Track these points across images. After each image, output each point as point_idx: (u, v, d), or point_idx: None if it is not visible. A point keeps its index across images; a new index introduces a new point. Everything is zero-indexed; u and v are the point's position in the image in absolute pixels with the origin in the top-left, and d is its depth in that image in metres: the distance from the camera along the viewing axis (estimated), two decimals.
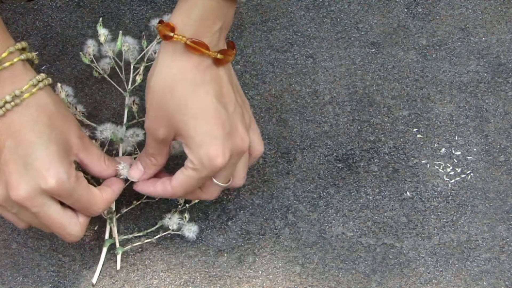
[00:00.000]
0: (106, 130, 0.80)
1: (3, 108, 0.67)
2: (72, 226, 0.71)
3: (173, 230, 0.79)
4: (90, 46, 0.86)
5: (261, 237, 0.80)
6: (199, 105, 0.69)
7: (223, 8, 0.69)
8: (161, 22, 0.69)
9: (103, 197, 0.73)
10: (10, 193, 0.68)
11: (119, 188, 0.75)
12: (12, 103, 0.67)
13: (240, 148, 0.72)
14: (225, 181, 0.73)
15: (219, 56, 0.70)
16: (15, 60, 0.68)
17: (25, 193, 0.68)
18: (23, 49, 0.69)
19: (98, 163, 0.74)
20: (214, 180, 0.73)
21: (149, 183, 0.75)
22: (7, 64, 0.67)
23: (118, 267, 0.78)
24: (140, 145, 0.81)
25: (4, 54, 0.67)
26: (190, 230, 0.78)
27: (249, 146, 0.73)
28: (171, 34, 0.68)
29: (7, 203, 0.69)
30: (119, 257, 0.78)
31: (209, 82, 0.70)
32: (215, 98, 0.70)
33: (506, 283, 0.77)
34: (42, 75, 0.70)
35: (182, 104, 0.69)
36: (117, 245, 0.79)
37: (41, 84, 0.69)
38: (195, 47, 0.68)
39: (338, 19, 0.97)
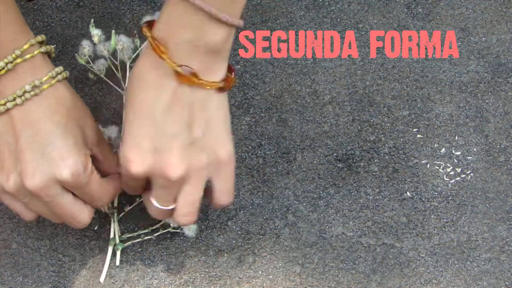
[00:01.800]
0: (113, 133, 0.81)
1: (22, 97, 0.68)
2: (82, 214, 0.72)
3: (173, 228, 0.79)
4: (85, 47, 0.86)
5: (261, 237, 0.80)
6: (139, 108, 0.67)
7: (196, 19, 0.64)
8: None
9: (110, 190, 0.74)
10: (24, 182, 0.68)
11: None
12: (32, 93, 0.68)
13: (165, 173, 0.68)
14: (158, 202, 0.71)
15: (177, 68, 0.65)
16: (35, 52, 0.68)
17: (40, 182, 0.68)
18: (42, 42, 0.70)
19: (109, 160, 0.74)
20: (151, 198, 0.71)
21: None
22: (28, 56, 0.68)
23: (117, 262, 0.78)
24: None
25: (25, 46, 0.68)
26: (190, 229, 0.78)
27: (183, 178, 0.68)
28: (145, 29, 0.68)
29: (20, 191, 0.69)
30: (118, 253, 0.78)
31: (159, 93, 0.67)
32: (157, 110, 0.67)
33: (506, 283, 0.77)
34: (60, 67, 0.70)
35: (130, 99, 0.68)
36: (117, 241, 0.79)
37: (59, 77, 0.70)
38: (153, 44, 0.66)
39: (338, 19, 0.97)
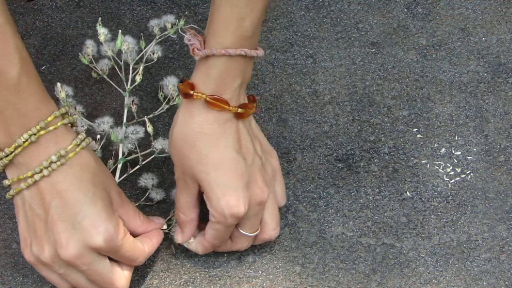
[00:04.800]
0: (104, 123, 0.81)
1: (49, 168, 0.68)
2: (120, 280, 0.72)
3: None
4: (89, 47, 0.86)
5: None
6: (219, 156, 0.71)
7: (241, 65, 0.71)
8: (183, 81, 0.72)
9: (145, 250, 0.74)
10: (59, 252, 0.69)
11: (158, 241, 0.76)
12: (58, 163, 0.68)
13: (259, 198, 0.73)
14: (251, 231, 0.75)
15: (239, 110, 0.72)
16: (58, 124, 0.69)
17: (75, 252, 0.68)
18: (65, 113, 0.70)
19: (134, 219, 0.75)
20: (241, 230, 0.75)
21: (193, 245, 0.77)
22: (51, 128, 0.68)
23: None
24: (141, 143, 0.81)
25: (49, 118, 0.68)
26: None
27: (268, 196, 0.75)
28: (191, 92, 0.71)
29: (55, 262, 0.70)
30: None
31: (229, 135, 0.72)
32: (234, 150, 0.72)
33: (506, 283, 0.77)
34: (83, 134, 0.71)
35: (203, 156, 0.71)
36: None
37: (83, 144, 0.70)
38: (215, 103, 0.71)
39: (338, 19, 0.97)
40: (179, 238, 0.77)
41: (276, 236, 0.77)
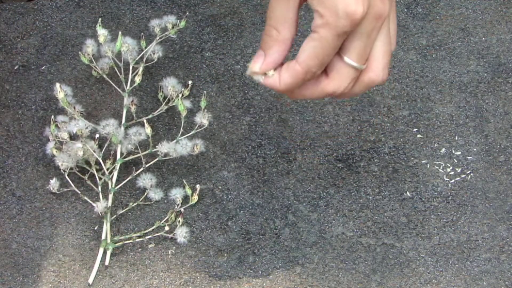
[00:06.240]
0: (109, 126, 0.81)
1: None
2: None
3: (165, 233, 0.79)
4: (89, 46, 0.86)
5: (261, 237, 0.80)
6: None
7: None
8: None
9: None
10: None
11: None
12: None
13: (379, 10, 0.57)
14: (358, 59, 0.59)
15: None
16: None
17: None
18: None
19: None
20: (345, 57, 0.58)
21: (274, 78, 0.60)
22: None
23: (107, 262, 0.78)
24: (142, 145, 0.81)
25: None
26: (182, 235, 0.79)
27: (386, 19, 0.59)
28: None
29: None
30: (108, 252, 0.78)
31: None
32: None
33: (506, 283, 0.77)
34: None
35: None
36: (108, 240, 0.78)
37: None
38: None
39: None
40: (257, 65, 0.59)
41: (383, 81, 0.61)
